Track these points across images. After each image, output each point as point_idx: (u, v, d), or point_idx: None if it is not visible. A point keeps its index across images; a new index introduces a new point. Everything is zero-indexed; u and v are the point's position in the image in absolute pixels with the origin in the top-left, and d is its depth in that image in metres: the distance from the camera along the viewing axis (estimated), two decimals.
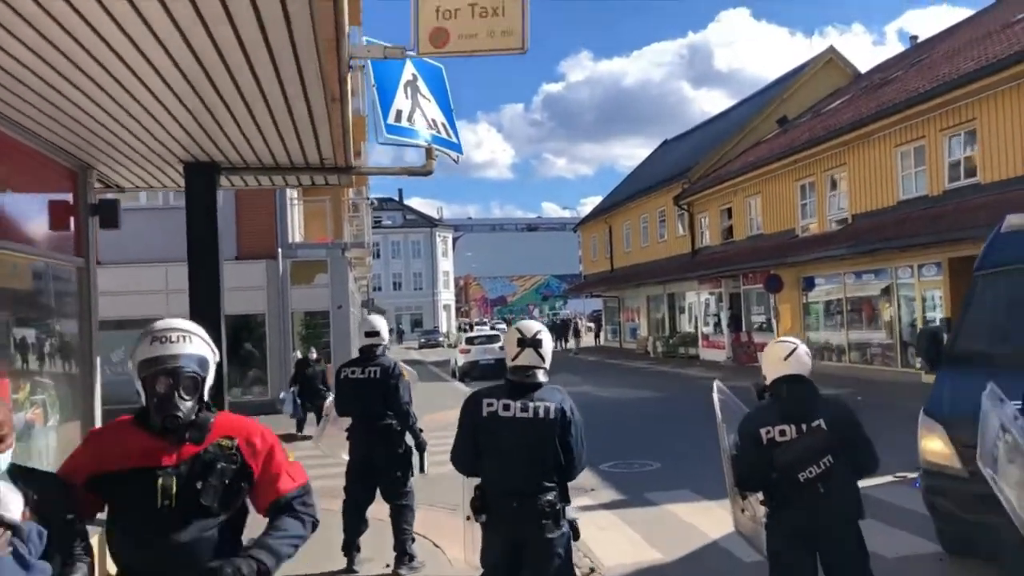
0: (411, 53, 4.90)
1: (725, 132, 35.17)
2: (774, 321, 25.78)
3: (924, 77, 20.56)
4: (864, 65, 34.50)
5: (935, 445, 6.16)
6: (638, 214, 39.52)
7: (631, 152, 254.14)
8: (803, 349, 4.47)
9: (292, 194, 19.17)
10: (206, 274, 6.16)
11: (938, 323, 16.45)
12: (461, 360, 29.32)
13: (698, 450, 10.50)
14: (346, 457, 6.97)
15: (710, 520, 8.08)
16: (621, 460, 11.45)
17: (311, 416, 15.13)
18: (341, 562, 6.75)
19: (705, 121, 45.34)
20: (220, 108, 4.73)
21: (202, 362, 2.79)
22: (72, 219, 5.85)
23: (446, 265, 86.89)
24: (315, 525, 2.89)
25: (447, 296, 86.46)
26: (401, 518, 6.64)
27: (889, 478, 8.57)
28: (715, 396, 4.86)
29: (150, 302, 15.21)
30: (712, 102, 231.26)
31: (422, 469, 7.08)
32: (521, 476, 4.13)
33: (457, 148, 6.35)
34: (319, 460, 8.29)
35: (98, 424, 6.48)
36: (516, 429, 4.14)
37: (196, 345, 2.79)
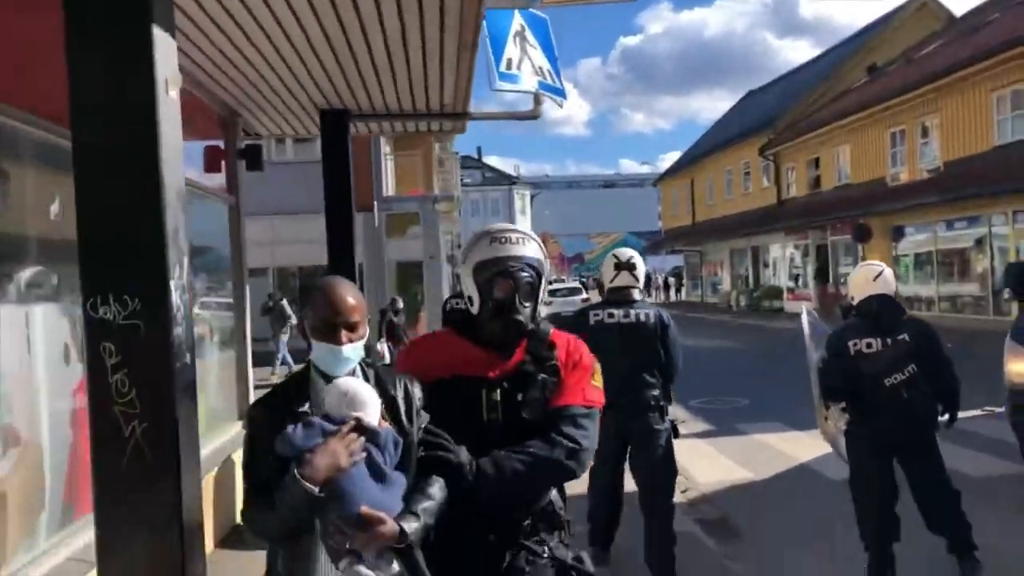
0: (536, 4, 5.40)
1: (812, 81, 34.52)
2: None
3: (1022, 18, 19.94)
4: (960, 8, 33.29)
5: (1021, 367, 6.46)
6: (722, 166, 39.20)
7: (712, 105, 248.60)
8: (889, 272, 4.86)
9: (385, 148, 19.90)
10: (342, 217, 6.85)
11: None
12: (543, 312, 29.97)
13: (786, 388, 10.85)
14: None
15: (799, 446, 8.52)
16: (712, 397, 11.91)
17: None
18: None
19: (791, 71, 44.31)
20: (363, 53, 5.30)
21: (539, 268, 2.49)
22: (224, 162, 6.54)
23: (524, 223, 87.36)
24: (572, 453, 2.42)
25: None
26: None
27: (976, 412, 8.82)
28: (803, 317, 5.34)
29: (254, 254, 16.16)
30: (797, 52, 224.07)
31: None
32: (628, 374, 4.71)
33: (562, 94, 6.85)
34: None
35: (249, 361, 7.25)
36: (621, 333, 4.75)
37: (533, 249, 2.47)
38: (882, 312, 4.68)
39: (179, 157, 2.92)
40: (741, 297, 35.49)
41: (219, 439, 6.23)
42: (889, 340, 4.58)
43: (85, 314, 2.70)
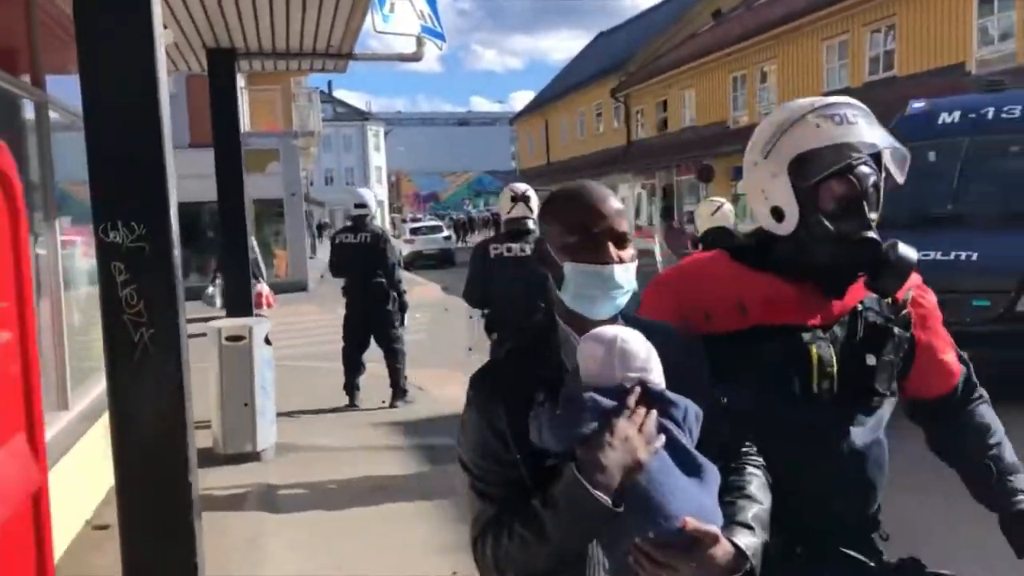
0: None
1: (661, 25, 35.72)
2: None
3: None
4: None
5: None
6: (575, 107, 40.15)
7: (563, 45, 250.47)
8: (727, 207, 5.63)
9: (240, 82, 19.35)
10: (230, 152, 6.96)
11: None
12: (406, 250, 30.23)
13: None
14: (342, 311, 8.02)
15: None
16: None
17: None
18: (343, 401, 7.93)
19: (640, 13, 45.59)
20: None
21: (878, 161, 1.75)
22: None
23: (378, 160, 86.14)
24: None
25: (380, 191, 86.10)
26: (394, 360, 7.83)
27: None
28: (657, 254, 6.01)
29: None
30: None
31: (402, 323, 8.15)
32: (524, 303, 5.24)
33: (441, 37, 7.16)
34: (314, 320, 9.27)
35: None
36: (519, 264, 5.23)
37: (876, 133, 1.73)
38: (718, 241, 5.44)
39: (168, 106, 3.32)
40: None
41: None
42: None
43: (97, 238, 3.13)
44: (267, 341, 5.88)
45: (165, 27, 3.47)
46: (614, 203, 1.53)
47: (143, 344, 3.05)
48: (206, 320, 6.89)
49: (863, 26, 19.84)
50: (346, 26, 6.03)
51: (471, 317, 6.19)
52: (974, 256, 6.62)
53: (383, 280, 7.67)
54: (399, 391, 7.83)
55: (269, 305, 15.05)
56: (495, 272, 5.34)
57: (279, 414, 6.51)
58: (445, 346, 12.04)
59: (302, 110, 22.55)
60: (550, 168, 43.52)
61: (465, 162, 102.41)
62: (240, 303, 7.18)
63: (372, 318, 7.75)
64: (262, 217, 20.73)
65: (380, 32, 6.47)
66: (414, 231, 31.70)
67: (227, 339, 5.69)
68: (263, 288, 14.47)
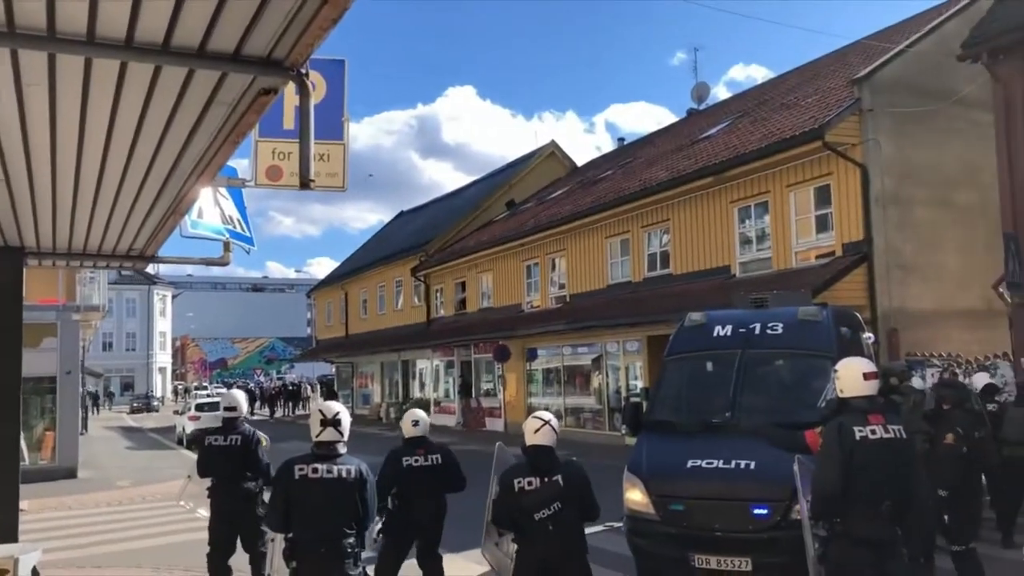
0: (249, 184, 5.77)
1: (460, 209, 37.60)
2: (500, 388, 27.88)
3: (629, 180, 23.93)
4: (578, 153, 38.85)
5: (636, 496, 7.76)
6: (376, 282, 40.64)
7: (362, 216, 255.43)
8: (552, 425, 5.82)
9: None
10: (8, 353, 6.37)
11: (639, 391, 19.09)
12: (190, 427, 28.33)
13: None
14: (206, 513, 7.85)
15: (455, 568, 9.19)
16: None
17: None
18: None
19: (441, 196, 47.89)
20: (45, 197, 5.24)
21: None
22: None
23: (163, 325, 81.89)
24: None
25: (163, 358, 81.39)
26: (263, 562, 7.43)
27: (599, 527, 10.21)
28: (496, 453, 6.15)
29: None
30: (440, 172, 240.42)
31: None
32: (329, 525, 5.07)
33: (250, 242, 7.18)
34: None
35: None
36: (324, 487, 5.08)
37: None
38: (540, 458, 5.62)
39: None
40: (391, 409, 36.53)
41: None
42: (546, 479, 5.50)
43: None
44: (35, 573, 5.25)
45: None
46: None
47: None
48: None
49: (642, 227, 21.89)
50: (152, 235, 5.91)
51: (271, 540, 5.93)
52: (752, 465, 7.16)
53: (253, 483, 7.57)
54: None
55: None
56: (301, 493, 5.16)
57: None
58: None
59: (86, 283, 21.29)
60: (348, 340, 43.24)
61: (259, 328, 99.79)
62: (5, 524, 6.38)
63: (240, 522, 7.59)
64: (29, 395, 18.92)
65: (187, 237, 6.40)
66: (200, 407, 29.75)
67: None
68: None
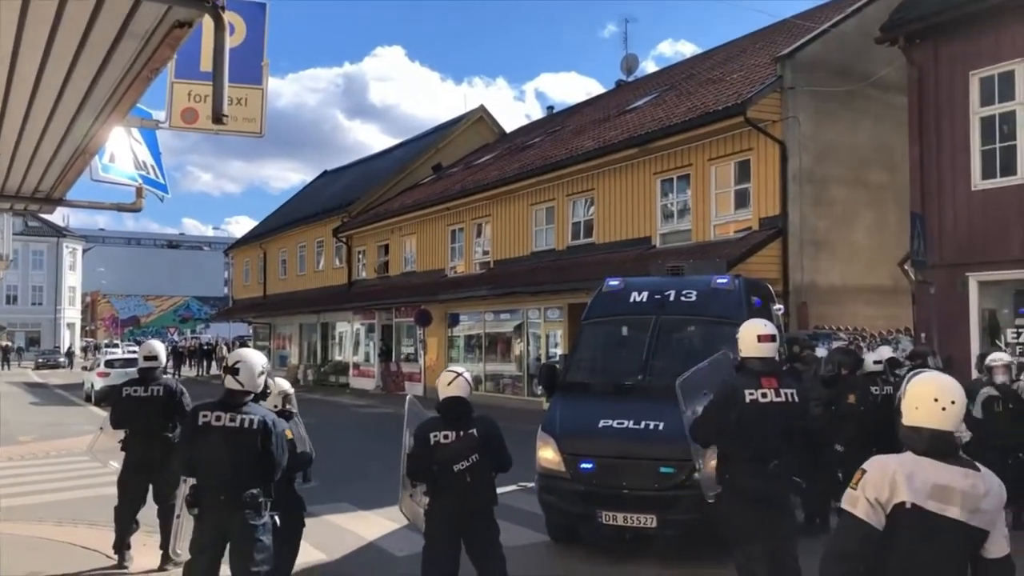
0: (163, 126, 5.59)
1: (385, 171, 37.13)
2: (421, 352, 27.86)
3: (557, 147, 24.01)
4: (507, 120, 38.76)
5: (548, 454, 7.92)
6: (296, 242, 39.94)
7: (284, 175, 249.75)
8: (465, 377, 5.89)
9: None
10: None
11: (558, 358, 19.34)
12: (99, 383, 27.54)
13: (352, 469, 11.65)
14: (117, 466, 7.65)
15: (365, 525, 9.31)
16: None
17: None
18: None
19: (366, 157, 47.17)
20: None
21: None
22: None
23: (73, 280, 79.02)
24: None
25: (72, 314, 78.62)
26: (169, 519, 7.33)
27: (512, 487, 10.39)
28: (407, 406, 6.18)
29: None
30: (366, 134, 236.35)
31: None
32: (229, 474, 5.04)
33: (164, 188, 6.95)
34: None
35: None
36: (225, 435, 5.05)
37: None
38: (454, 412, 5.67)
39: None
40: (309, 371, 36.17)
41: None
42: (461, 432, 5.56)
43: None
44: None
45: None
46: None
47: None
48: None
49: (567, 196, 22.03)
50: (60, 175, 5.68)
51: (178, 516, 6.00)
52: (660, 426, 7.37)
53: (172, 434, 7.34)
54: (171, 553, 7.33)
55: None
56: (199, 441, 5.12)
57: None
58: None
59: None
60: (266, 300, 42.50)
61: (174, 286, 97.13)
62: None
63: (155, 474, 7.37)
64: None
65: (97, 180, 6.17)
66: (109, 363, 28.92)
67: None
68: None
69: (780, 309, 10.75)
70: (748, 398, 5.36)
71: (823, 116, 16.79)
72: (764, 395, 5.38)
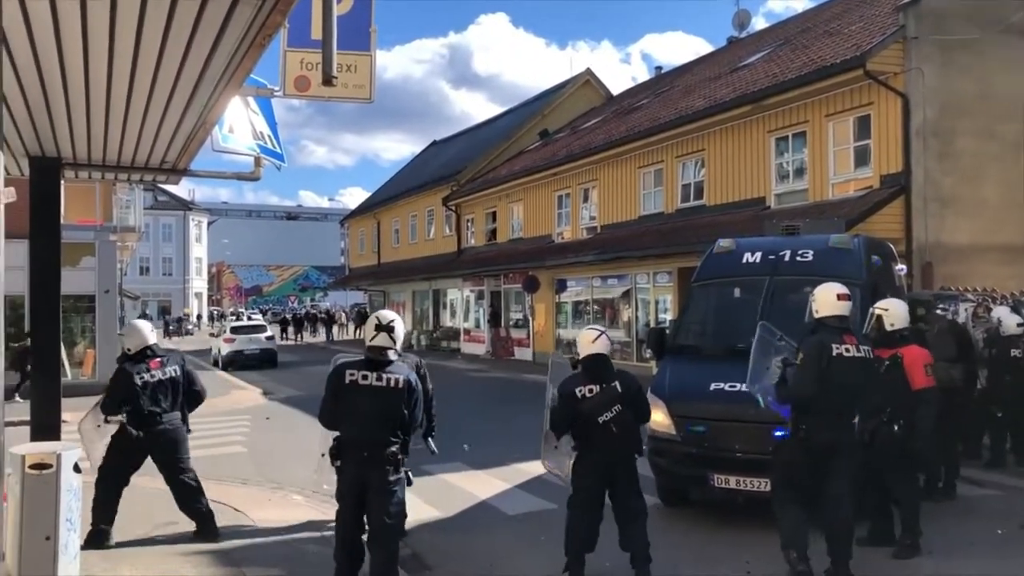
0: (278, 94, 5.80)
1: (492, 139, 37.31)
2: (530, 318, 28.05)
3: (665, 108, 23.51)
4: (614, 84, 38.16)
5: (658, 417, 7.84)
6: (408, 211, 40.73)
7: (393, 146, 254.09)
8: (606, 335, 6.10)
9: None
10: (47, 259, 6.50)
11: (667, 323, 19.11)
12: (225, 349, 29.05)
13: (464, 431, 11.88)
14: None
15: (478, 484, 9.51)
16: None
17: None
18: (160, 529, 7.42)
19: (473, 126, 47.49)
20: (79, 105, 5.29)
21: None
22: None
23: (199, 251, 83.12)
24: None
25: (199, 284, 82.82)
26: (190, 495, 7.20)
27: None
28: (551, 361, 6.48)
29: None
30: (472, 103, 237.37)
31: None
32: (374, 431, 5.25)
33: (280, 158, 7.20)
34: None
35: None
36: (371, 394, 5.27)
37: None
38: (597, 366, 5.93)
39: None
40: (422, 337, 36.99)
41: None
42: (604, 386, 5.83)
43: None
44: (76, 469, 5.47)
45: None
46: None
47: None
48: (15, 425, 6.27)
49: (676, 158, 21.59)
50: (184, 146, 5.96)
51: (323, 455, 6.26)
52: None
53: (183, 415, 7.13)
54: (204, 518, 7.19)
55: None
56: (346, 398, 5.35)
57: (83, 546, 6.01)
58: (266, 459, 11.59)
59: (123, 204, 21.59)
60: (380, 269, 43.61)
61: (292, 256, 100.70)
62: (47, 424, 6.60)
63: (161, 446, 7.07)
64: (70, 313, 19.42)
65: (218, 151, 6.44)
66: (235, 330, 30.39)
67: (31, 467, 5.25)
68: None
69: (903, 269, 10.29)
70: (835, 351, 5.76)
71: (949, 66, 15.79)
72: (847, 350, 5.84)
